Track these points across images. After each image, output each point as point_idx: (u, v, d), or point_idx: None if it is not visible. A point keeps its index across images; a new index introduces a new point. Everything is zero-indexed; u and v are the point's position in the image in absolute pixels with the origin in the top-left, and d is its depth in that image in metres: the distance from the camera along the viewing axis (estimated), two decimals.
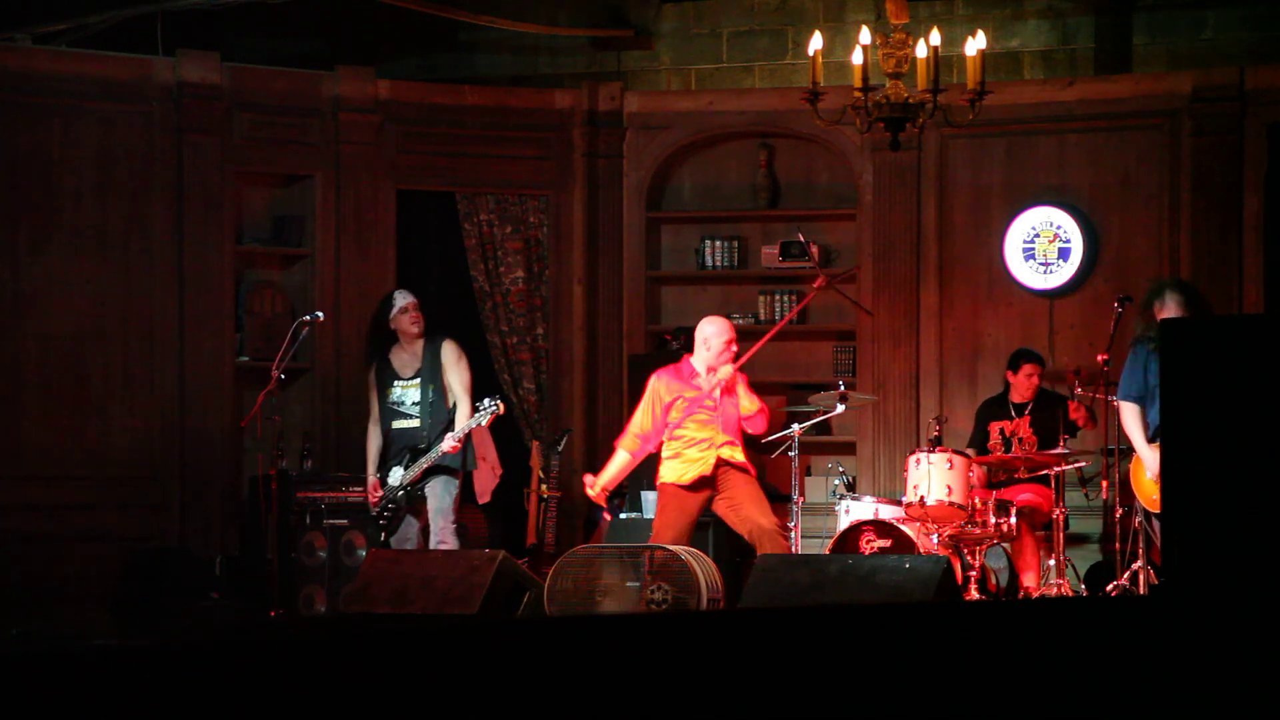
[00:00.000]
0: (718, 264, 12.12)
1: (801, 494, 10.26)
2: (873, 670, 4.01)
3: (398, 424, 9.75)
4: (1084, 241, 11.39)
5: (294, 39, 12.16)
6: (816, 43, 9.16)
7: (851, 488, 10.96)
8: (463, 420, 9.61)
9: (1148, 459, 8.81)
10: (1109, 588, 9.75)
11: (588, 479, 9.56)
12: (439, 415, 9.69)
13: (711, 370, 9.39)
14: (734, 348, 9.42)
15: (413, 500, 9.69)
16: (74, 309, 10.91)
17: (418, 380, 9.74)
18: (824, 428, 11.38)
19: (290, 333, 9.96)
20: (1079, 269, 11.40)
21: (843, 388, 10.57)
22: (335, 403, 11.48)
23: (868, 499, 10.55)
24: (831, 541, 10.16)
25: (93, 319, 10.95)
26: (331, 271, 11.53)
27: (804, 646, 3.99)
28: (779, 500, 10.98)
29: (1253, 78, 11.12)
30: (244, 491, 11.16)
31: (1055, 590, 9.84)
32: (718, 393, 9.37)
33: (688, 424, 9.38)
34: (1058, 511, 9.98)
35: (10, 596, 10.32)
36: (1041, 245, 11.46)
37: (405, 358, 9.81)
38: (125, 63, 11.10)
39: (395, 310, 9.80)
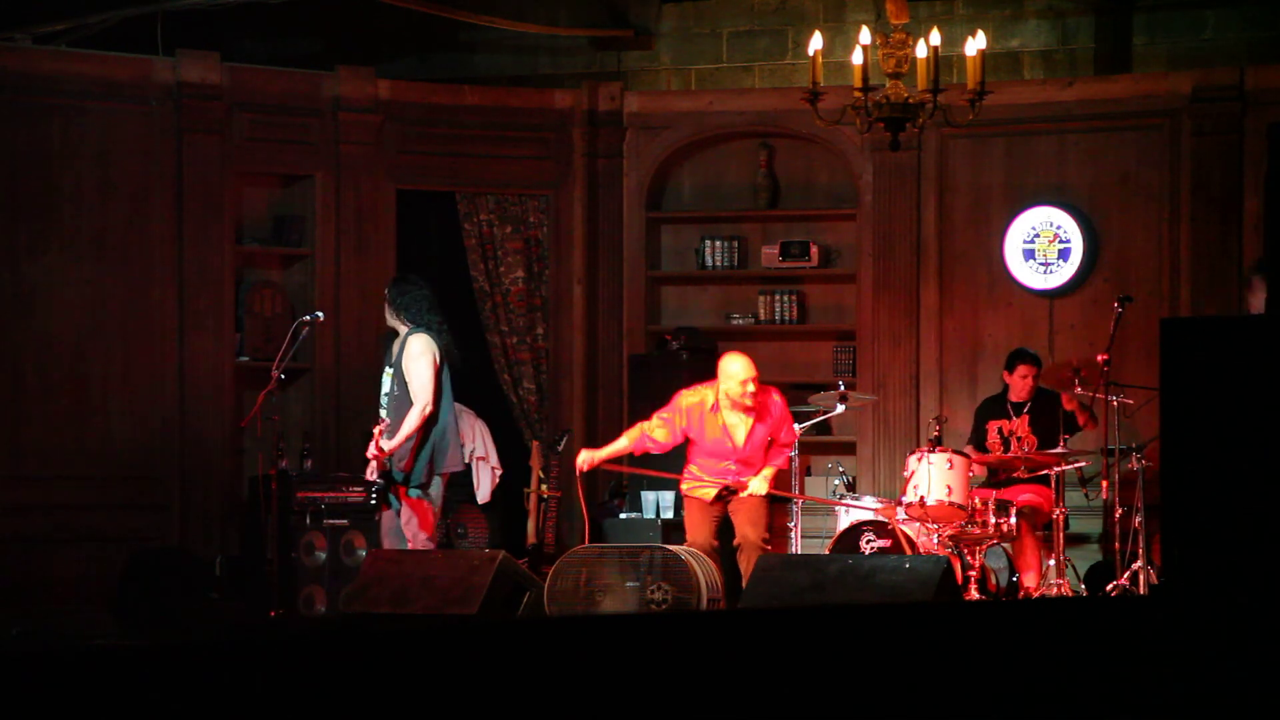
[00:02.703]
0: (718, 264, 12.11)
1: (801, 494, 10.26)
2: (873, 670, 4.01)
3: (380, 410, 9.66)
4: (1084, 241, 11.39)
5: (294, 39, 12.16)
6: (816, 43, 9.16)
7: (851, 488, 10.96)
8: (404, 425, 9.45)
9: None
10: (1109, 588, 9.76)
11: (582, 455, 9.63)
12: (399, 408, 9.50)
13: (737, 407, 9.49)
14: (750, 387, 9.45)
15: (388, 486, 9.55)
16: (74, 309, 10.90)
17: (390, 369, 9.63)
18: (824, 428, 11.37)
19: (290, 333, 9.95)
20: (1079, 269, 11.40)
21: (843, 388, 10.57)
22: (335, 403, 11.48)
23: (868, 499, 10.56)
24: (831, 541, 10.17)
25: (93, 319, 10.94)
26: (331, 271, 11.52)
27: (804, 646, 3.99)
28: (779, 500, 10.98)
29: (1253, 78, 11.11)
30: (244, 491, 11.16)
31: (1055, 590, 9.84)
32: (741, 439, 9.47)
33: (710, 456, 9.53)
34: (1058, 511, 9.99)
35: (10, 596, 10.32)
36: (1041, 245, 11.45)
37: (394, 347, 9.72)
38: (125, 63, 11.09)
39: None
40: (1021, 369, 10.56)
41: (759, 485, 9.47)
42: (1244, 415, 4.62)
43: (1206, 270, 11.08)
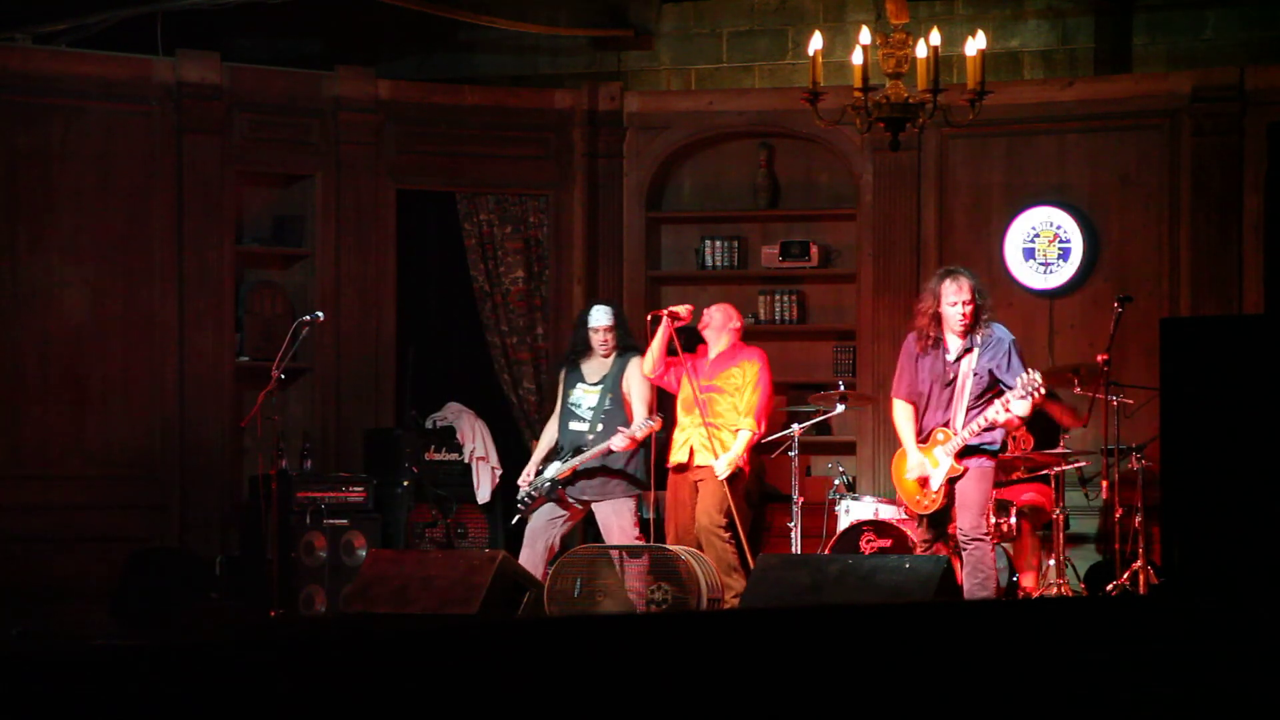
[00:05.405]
0: (718, 264, 12.11)
1: (801, 494, 10.26)
2: (873, 670, 4.01)
3: (572, 425, 9.98)
4: (1084, 241, 11.38)
5: (294, 39, 12.16)
6: (816, 43, 9.16)
7: (851, 488, 10.96)
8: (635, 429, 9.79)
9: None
10: (1109, 588, 9.76)
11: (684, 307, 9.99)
12: (611, 423, 9.82)
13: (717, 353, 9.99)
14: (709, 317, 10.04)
15: (553, 492, 9.83)
16: (74, 309, 10.90)
17: (599, 387, 9.94)
18: (824, 428, 11.37)
19: (290, 333, 9.97)
20: (1079, 269, 11.39)
21: (842, 388, 10.57)
22: (335, 403, 11.48)
23: (868, 499, 10.55)
24: (831, 541, 10.16)
25: (93, 319, 10.94)
26: (331, 271, 11.52)
27: (804, 646, 3.99)
28: (779, 500, 10.99)
29: (1253, 78, 11.11)
30: (244, 491, 11.16)
31: (1055, 590, 9.84)
32: (706, 365, 9.85)
33: (680, 408, 9.85)
34: (1058, 511, 9.98)
35: (10, 596, 10.32)
36: (1041, 245, 11.45)
37: (595, 365, 10.04)
38: (125, 63, 11.09)
39: (589, 326, 10.00)
40: None
41: (721, 466, 9.67)
42: (1243, 415, 4.63)
43: (1206, 270, 11.08)
